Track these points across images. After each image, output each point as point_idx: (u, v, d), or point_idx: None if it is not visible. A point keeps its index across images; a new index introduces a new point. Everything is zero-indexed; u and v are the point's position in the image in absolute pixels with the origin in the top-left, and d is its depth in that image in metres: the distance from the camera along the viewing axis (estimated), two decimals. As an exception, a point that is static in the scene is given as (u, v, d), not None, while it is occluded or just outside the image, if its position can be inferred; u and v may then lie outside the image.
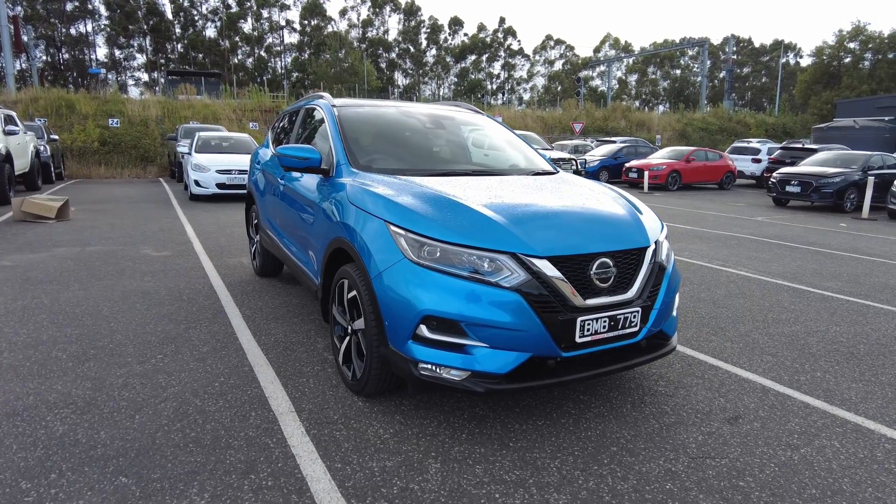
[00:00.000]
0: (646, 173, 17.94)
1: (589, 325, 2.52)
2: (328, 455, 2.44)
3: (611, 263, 2.61)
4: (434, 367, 2.46)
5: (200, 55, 59.30)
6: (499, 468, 2.39)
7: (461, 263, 2.45)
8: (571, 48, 79.52)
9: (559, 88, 73.12)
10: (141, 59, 60.05)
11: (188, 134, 15.52)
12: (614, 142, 22.26)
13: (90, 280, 5.25)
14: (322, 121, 3.90)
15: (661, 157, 19.36)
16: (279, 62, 64.59)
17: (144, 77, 59.14)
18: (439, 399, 2.98)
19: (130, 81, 59.42)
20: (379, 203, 2.77)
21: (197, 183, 11.13)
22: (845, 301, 5.21)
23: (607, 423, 2.82)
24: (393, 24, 78.04)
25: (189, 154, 11.78)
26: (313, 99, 4.40)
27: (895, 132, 26.51)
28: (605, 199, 3.06)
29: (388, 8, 71.03)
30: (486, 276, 2.42)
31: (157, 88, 36.81)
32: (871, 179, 12.22)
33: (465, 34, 74.98)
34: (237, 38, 61.83)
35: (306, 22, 64.58)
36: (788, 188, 13.43)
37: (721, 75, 68.96)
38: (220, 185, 11.21)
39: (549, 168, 3.93)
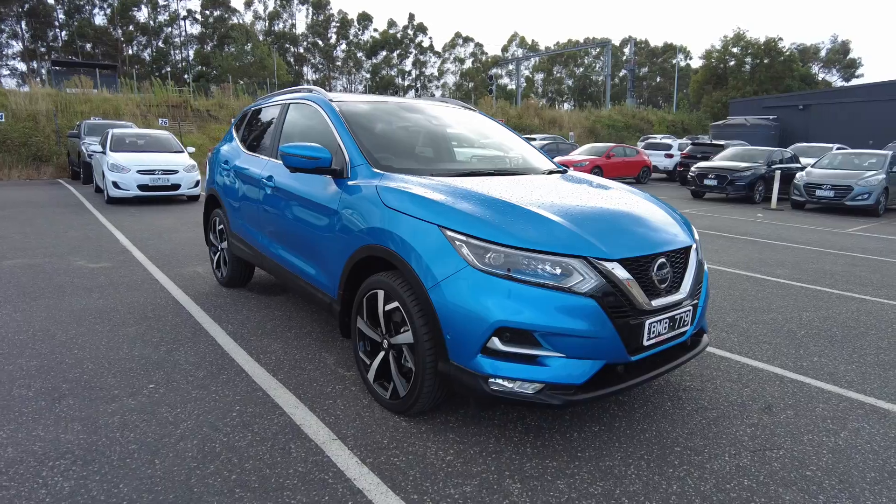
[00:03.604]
0: (569, 168, 18.54)
1: (654, 327, 2.47)
2: (398, 486, 2.22)
3: (667, 264, 2.58)
4: (506, 382, 2.30)
5: (89, 45, 54.11)
6: (580, 482, 2.28)
7: (530, 269, 2.31)
8: (481, 46, 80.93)
9: (470, 86, 74.19)
10: (17, 46, 53.85)
11: (94, 131, 14.05)
12: (535, 139, 22.86)
13: (23, 299, 4.54)
14: (319, 117, 3.58)
15: (582, 154, 20.13)
16: (179, 54, 60.41)
17: (22, 67, 53.04)
18: (484, 412, 2.83)
19: (5, 71, 53.15)
20: (428, 207, 2.56)
21: (116, 185, 10.07)
22: (800, 287, 5.61)
23: (658, 422, 2.80)
24: (301, 18, 75.61)
25: (104, 153, 10.64)
26: (299, 92, 4.05)
27: (779, 129, 29.48)
28: (641, 199, 3.04)
29: (296, 0, 68.62)
30: (559, 282, 2.30)
31: (38, 79, 33.03)
32: (777, 173, 13.38)
33: (376, 29, 74.14)
34: (132, 28, 57.07)
35: (208, 13, 60.91)
36: (706, 181, 14.41)
37: (621, 74, 73.12)
38: (142, 187, 10.22)
39: (555, 167, 3.88)
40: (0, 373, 3.15)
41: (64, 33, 54.78)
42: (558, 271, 2.32)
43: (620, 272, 2.37)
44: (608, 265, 2.35)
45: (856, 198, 12.02)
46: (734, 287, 5.53)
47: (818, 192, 12.56)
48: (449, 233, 2.42)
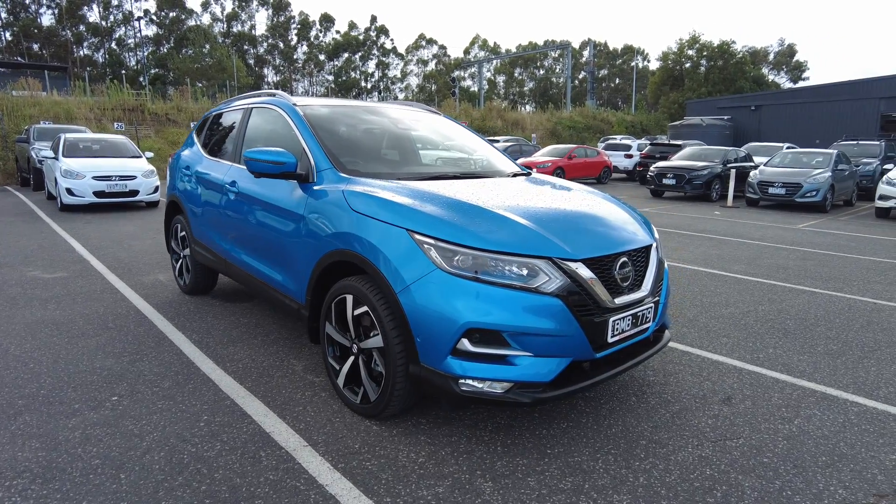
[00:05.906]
0: (533, 170, 18.79)
1: (618, 324, 2.55)
2: (371, 489, 2.22)
3: (629, 262, 2.66)
4: (476, 382, 2.34)
5: (36, 45, 51.94)
6: (549, 478, 2.34)
7: (498, 271, 2.35)
8: (444, 48, 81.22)
9: (433, 88, 74.35)
10: (-44, 47, 51.30)
11: (44, 135, 13.52)
12: (498, 140, 23.08)
13: (-27, 314, 4.35)
14: (282, 122, 3.55)
15: (545, 155, 20.40)
16: (134, 56, 58.58)
17: (-37, 68, 50.47)
18: (454, 414, 2.86)
19: (-57, 73, 50.51)
20: (396, 211, 2.57)
21: (70, 191, 9.70)
22: (756, 282, 5.84)
23: (623, 417, 2.88)
24: (261, 20, 74.40)
25: (56, 159, 10.24)
26: (261, 97, 4.00)
27: (733, 129, 30.52)
28: (603, 200, 3.12)
29: (255, 2, 67.46)
30: (525, 283, 2.34)
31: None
32: (733, 172, 13.86)
33: (337, 31, 73.59)
34: (83, 28, 55.05)
35: (164, 13, 59.27)
36: (665, 180, 14.82)
37: (581, 76, 74.49)
38: (98, 194, 9.87)
39: (519, 169, 3.94)
40: (-50, 391, 3.02)
41: (8, 33, 52.45)
42: (525, 272, 2.36)
43: (584, 272, 2.43)
44: (572, 265, 2.41)
45: (805, 195, 12.55)
46: (694, 283, 5.72)
47: (771, 190, 13.07)
48: (417, 236, 2.44)
